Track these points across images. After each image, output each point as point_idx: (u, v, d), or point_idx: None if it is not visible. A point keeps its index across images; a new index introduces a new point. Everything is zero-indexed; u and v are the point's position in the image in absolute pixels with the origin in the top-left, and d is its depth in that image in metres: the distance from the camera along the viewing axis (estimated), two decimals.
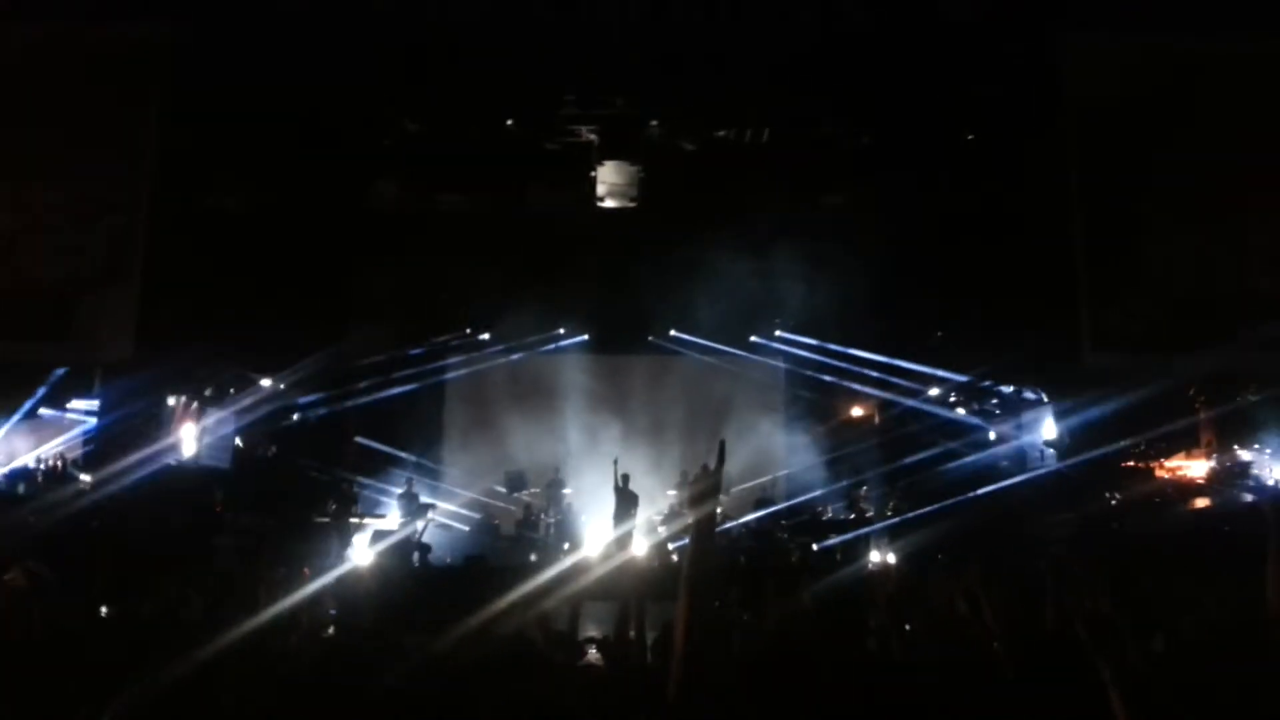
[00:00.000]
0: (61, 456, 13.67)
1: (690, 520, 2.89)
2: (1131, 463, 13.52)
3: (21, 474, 13.13)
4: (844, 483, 16.07)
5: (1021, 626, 3.77)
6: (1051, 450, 13.95)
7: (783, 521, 14.80)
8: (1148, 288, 12.16)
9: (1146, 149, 12.22)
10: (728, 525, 14.76)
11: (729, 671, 2.53)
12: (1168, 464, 13.70)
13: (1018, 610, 4.01)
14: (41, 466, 13.59)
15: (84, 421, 13.81)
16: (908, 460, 15.35)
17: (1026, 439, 14.60)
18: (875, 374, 16.38)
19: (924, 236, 14.18)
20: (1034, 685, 3.15)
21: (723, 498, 15.10)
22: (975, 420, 15.16)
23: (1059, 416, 13.90)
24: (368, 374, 16.82)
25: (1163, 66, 12.26)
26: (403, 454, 16.57)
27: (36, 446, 13.75)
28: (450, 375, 17.71)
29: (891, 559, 13.27)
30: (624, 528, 13.64)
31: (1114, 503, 12.61)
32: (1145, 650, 3.41)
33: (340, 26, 11.99)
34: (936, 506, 13.43)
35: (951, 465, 14.62)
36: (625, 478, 14.19)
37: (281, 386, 15.76)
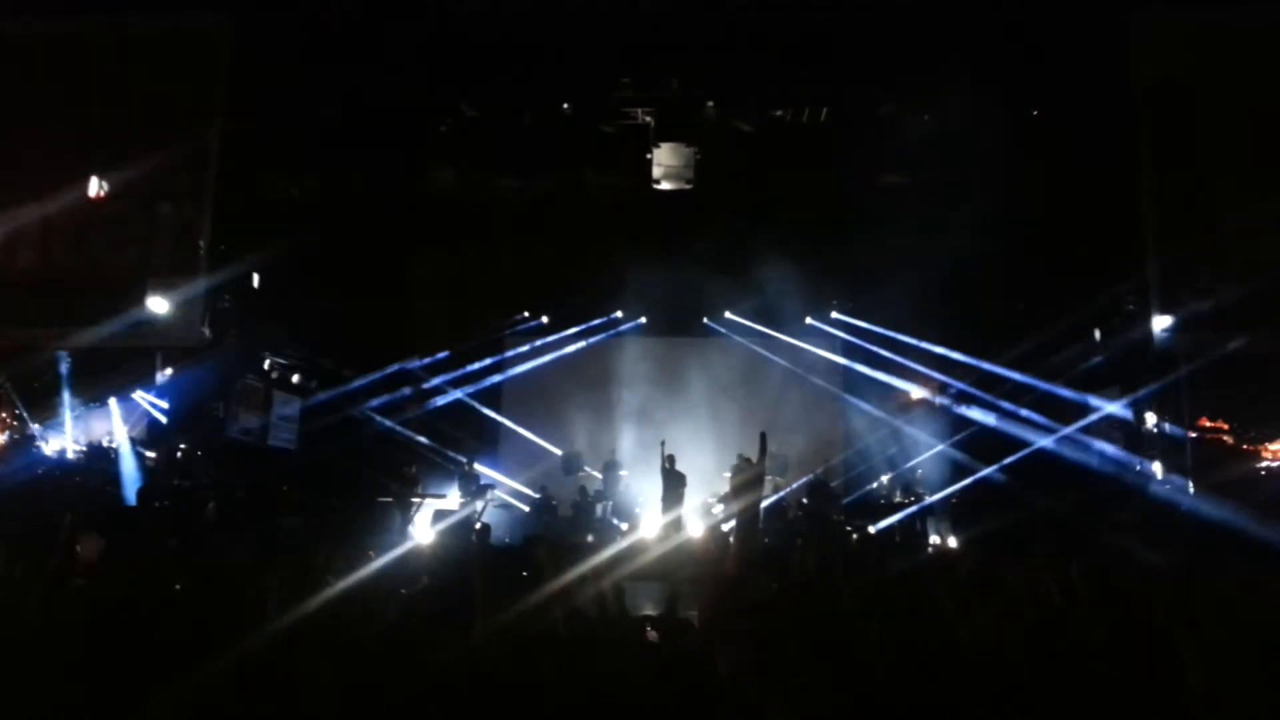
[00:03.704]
0: (131, 437, 14.11)
1: (735, 509, 2.91)
2: (1238, 444, 13.25)
3: (98, 451, 13.59)
4: (901, 465, 15.93)
5: (1104, 611, 3.74)
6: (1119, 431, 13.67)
7: (834, 502, 14.69)
8: (1222, 266, 11.84)
9: (1219, 125, 11.86)
10: (780, 495, 14.75)
11: (782, 649, 2.56)
12: (1271, 446, 13.39)
13: (1104, 597, 3.97)
14: (114, 444, 14.04)
15: (155, 404, 14.21)
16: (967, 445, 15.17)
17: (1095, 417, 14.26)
18: (930, 368, 16.22)
19: (987, 217, 13.93)
20: (1114, 667, 3.13)
21: (779, 480, 15.07)
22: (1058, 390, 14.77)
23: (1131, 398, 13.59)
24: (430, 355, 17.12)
25: (1234, 40, 11.87)
26: (462, 436, 16.82)
27: (110, 428, 14.21)
28: (509, 356, 17.91)
29: (952, 542, 13.13)
30: (673, 508, 13.68)
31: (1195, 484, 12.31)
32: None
33: (397, 14, 12.13)
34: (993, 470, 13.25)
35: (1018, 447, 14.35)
36: (671, 458, 14.22)
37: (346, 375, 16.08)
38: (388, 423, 16.51)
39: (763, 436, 3.17)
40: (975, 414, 15.34)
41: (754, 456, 10.90)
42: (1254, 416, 13.29)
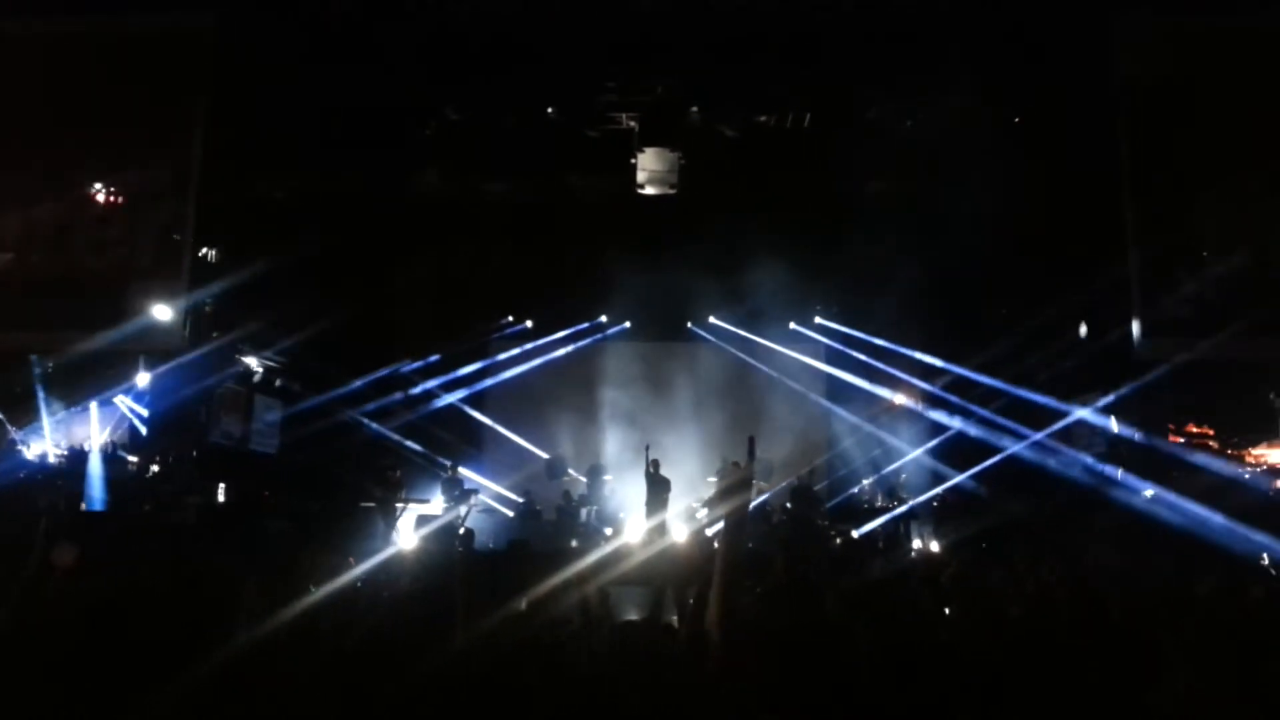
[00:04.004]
0: (111, 441, 14.02)
1: (722, 513, 2.88)
2: (1222, 449, 13.37)
3: (79, 454, 13.51)
4: (885, 470, 15.98)
5: (1083, 614, 3.77)
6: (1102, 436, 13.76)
7: (817, 506, 14.73)
8: (1201, 270, 11.93)
9: (1199, 128, 11.96)
10: (764, 498, 14.76)
11: (766, 655, 2.56)
12: (1254, 451, 13.50)
13: (1082, 601, 4.01)
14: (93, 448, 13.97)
15: (134, 407, 14.12)
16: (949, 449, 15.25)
17: (1075, 425, 14.34)
18: (913, 373, 16.31)
19: (971, 223, 14.00)
20: (1093, 669, 3.15)
21: (763, 484, 15.09)
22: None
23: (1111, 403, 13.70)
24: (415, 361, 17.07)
25: (1216, 44, 11.97)
26: (447, 441, 16.76)
27: (90, 432, 14.11)
28: (494, 361, 17.89)
29: (935, 547, 13.19)
30: (657, 513, 13.68)
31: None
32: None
33: (382, 16, 12.10)
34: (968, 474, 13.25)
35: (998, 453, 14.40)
36: (656, 463, 14.24)
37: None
38: (373, 426, 16.44)
39: (751, 440, 3.22)
40: (957, 421, 15.41)
41: (740, 461, 10.90)
42: (1236, 422, 13.43)
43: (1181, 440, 13.27)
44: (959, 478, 14.51)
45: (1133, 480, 12.77)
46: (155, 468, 13.60)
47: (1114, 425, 13.55)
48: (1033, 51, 12.51)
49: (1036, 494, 12.93)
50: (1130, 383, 12.79)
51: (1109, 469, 13.25)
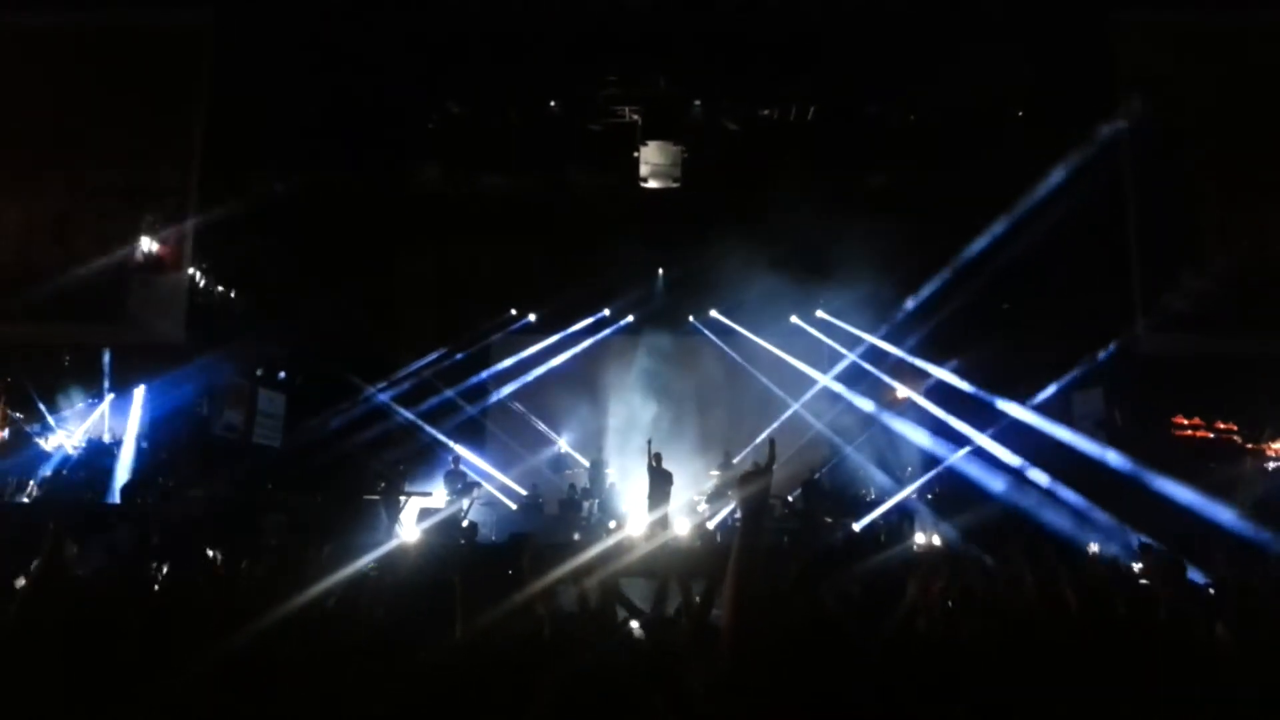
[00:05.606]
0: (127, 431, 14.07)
1: (738, 502, 2.86)
2: (1244, 443, 13.41)
3: (98, 446, 13.58)
4: (887, 462, 15.98)
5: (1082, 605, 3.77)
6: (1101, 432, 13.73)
7: (825, 502, 14.73)
8: (1205, 266, 11.90)
9: (1201, 124, 11.94)
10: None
11: (776, 649, 2.56)
12: (1274, 446, 13.52)
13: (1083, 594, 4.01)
14: (108, 440, 14.02)
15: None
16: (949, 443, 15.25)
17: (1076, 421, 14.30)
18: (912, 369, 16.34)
19: (971, 217, 13.96)
20: (1091, 663, 3.15)
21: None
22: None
23: (1110, 397, 13.67)
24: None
25: (1218, 40, 11.95)
26: (449, 434, 16.76)
27: (110, 425, 14.17)
28: (497, 355, 17.90)
29: (936, 540, 13.19)
30: (659, 507, 13.72)
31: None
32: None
33: (383, 9, 12.08)
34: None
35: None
36: (658, 457, 14.26)
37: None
38: (376, 418, 16.44)
39: (772, 444, 3.21)
40: (954, 418, 15.41)
41: (748, 463, 10.94)
42: (1246, 418, 13.46)
43: (1211, 436, 13.31)
44: (952, 457, 14.53)
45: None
46: (157, 461, 13.63)
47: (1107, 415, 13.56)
48: (1035, 50, 12.47)
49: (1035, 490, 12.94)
50: (1134, 379, 12.80)
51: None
